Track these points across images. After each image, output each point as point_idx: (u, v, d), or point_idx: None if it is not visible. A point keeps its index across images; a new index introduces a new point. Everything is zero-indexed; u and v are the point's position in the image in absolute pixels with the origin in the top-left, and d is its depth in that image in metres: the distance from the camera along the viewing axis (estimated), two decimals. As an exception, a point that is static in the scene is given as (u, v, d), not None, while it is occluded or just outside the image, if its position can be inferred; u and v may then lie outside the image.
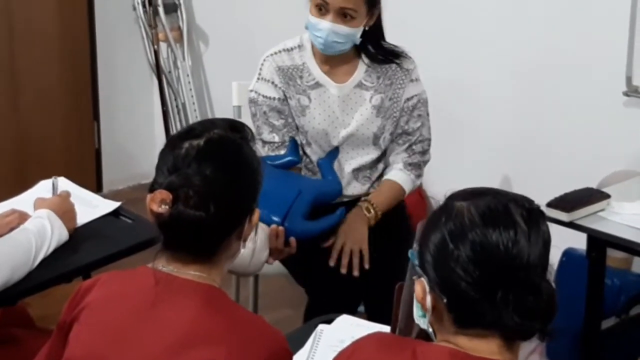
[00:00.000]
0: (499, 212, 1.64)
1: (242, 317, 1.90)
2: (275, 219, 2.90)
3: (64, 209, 2.66)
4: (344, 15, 3.01)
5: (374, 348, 1.73)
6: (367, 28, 3.08)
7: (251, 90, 3.19)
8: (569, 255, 3.64)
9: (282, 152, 3.14)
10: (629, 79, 3.62)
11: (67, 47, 4.99)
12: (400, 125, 3.19)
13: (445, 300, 1.64)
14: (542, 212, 1.68)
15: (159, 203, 1.88)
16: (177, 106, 5.08)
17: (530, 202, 1.69)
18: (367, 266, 3.04)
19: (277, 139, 3.15)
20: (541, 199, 2.86)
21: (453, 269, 1.63)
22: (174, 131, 5.05)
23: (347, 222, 3.08)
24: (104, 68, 5.11)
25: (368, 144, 3.19)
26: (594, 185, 3.43)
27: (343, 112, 3.16)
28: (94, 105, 5.13)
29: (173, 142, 1.95)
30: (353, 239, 3.04)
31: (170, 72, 5.08)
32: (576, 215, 2.80)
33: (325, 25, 3.02)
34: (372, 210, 3.12)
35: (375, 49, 3.15)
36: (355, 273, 3.02)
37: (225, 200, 1.89)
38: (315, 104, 3.15)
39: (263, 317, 1.97)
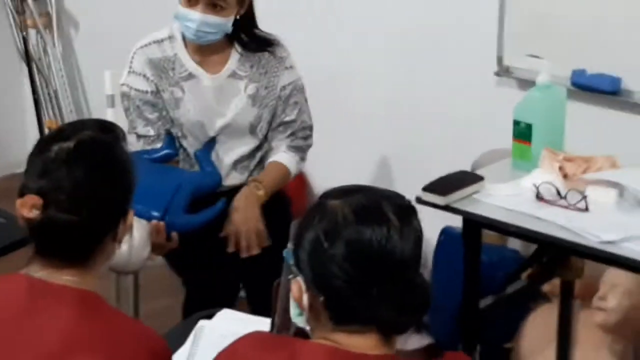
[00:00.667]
0: (372, 209, 1.67)
1: (119, 321, 1.88)
2: (155, 214, 2.87)
3: None
4: (213, 6, 3.00)
5: (252, 348, 1.74)
6: (238, 17, 3.06)
7: (122, 84, 3.15)
8: (447, 233, 3.71)
9: (158, 145, 3.11)
10: (499, 59, 3.69)
11: None
12: (277, 115, 3.19)
13: (322, 299, 1.66)
14: (413, 208, 1.71)
15: (29, 208, 1.85)
16: (48, 94, 5.00)
17: (402, 198, 1.72)
18: (266, 243, 3.04)
19: (152, 132, 3.12)
20: (418, 182, 2.94)
21: (328, 268, 1.64)
22: (45, 119, 4.98)
23: (238, 205, 3.06)
24: (-29, 56, 4.99)
25: (245, 134, 3.18)
26: (469, 165, 3.49)
27: (218, 103, 3.14)
28: (-39, 95, 5.01)
29: (42, 145, 1.91)
30: (246, 220, 3.03)
31: (40, 59, 4.99)
32: (452, 199, 2.83)
33: (196, 16, 3.00)
34: (261, 188, 3.10)
35: (248, 37, 3.14)
36: (255, 251, 3.03)
37: (98, 203, 1.87)
38: (189, 95, 3.12)
39: (141, 318, 1.95)
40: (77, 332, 1.81)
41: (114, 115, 3.69)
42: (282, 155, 3.20)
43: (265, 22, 3.21)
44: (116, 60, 4.50)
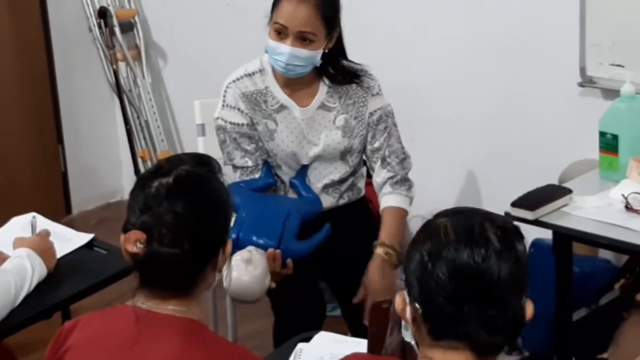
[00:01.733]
0: (474, 229, 1.70)
1: (224, 348, 1.94)
2: (271, 243, 2.94)
3: (43, 247, 2.68)
4: (303, 39, 3.04)
5: (352, 370, 1.78)
6: (326, 51, 3.10)
7: (217, 118, 3.21)
8: (537, 246, 3.70)
9: (256, 175, 3.16)
10: (582, 70, 3.69)
11: (26, 73, 4.98)
12: (368, 142, 3.22)
13: (420, 311, 1.70)
14: (517, 232, 1.74)
15: (133, 243, 1.92)
16: (140, 124, 5.09)
17: (507, 221, 1.75)
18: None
19: (250, 163, 3.17)
20: (506, 197, 2.96)
21: (428, 282, 1.69)
22: (138, 149, 5.08)
23: (373, 278, 3.04)
24: (65, 91, 5.11)
25: (336, 161, 3.22)
26: (555, 177, 3.50)
27: (309, 133, 3.19)
28: (57, 129, 5.13)
29: (142, 181, 1.99)
30: (383, 292, 2.98)
31: (130, 90, 5.09)
32: (541, 213, 2.86)
33: (285, 49, 3.04)
34: (390, 251, 3.11)
35: (336, 70, 3.18)
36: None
37: (199, 236, 1.93)
38: (282, 126, 3.18)
39: (243, 345, 2.01)
40: (184, 359, 1.87)
41: (204, 143, 3.77)
42: (391, 198, 3.19)
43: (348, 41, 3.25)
44: (204, 89, 4.61)
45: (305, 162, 3.20)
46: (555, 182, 3.32)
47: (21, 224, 2.93)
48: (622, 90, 3.04)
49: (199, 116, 3.77)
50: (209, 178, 2.00)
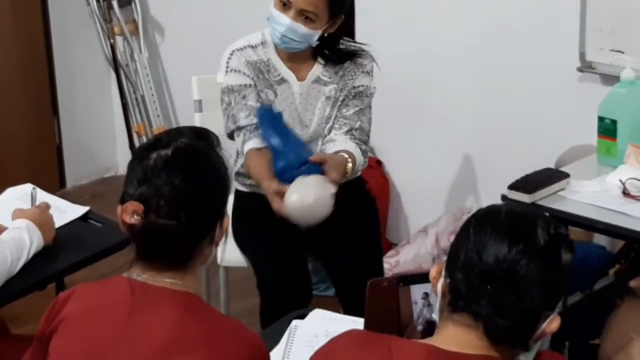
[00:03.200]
0: (525, 222, 1.73)
1: (220, 322, 1.93)
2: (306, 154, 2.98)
3: (42, 219, 2.67)
4: (304, 17, 3.05)
5: (350, 346, 1.78)
6: (326, 34, 3.12)
7: (220, 83, 3.19)
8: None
9: (254, 133, 3.11)
10: (582, 55, 3.68)
11: (23, 45, 4.95)
12: (340, 109, 3.22)
13: (448, 281, 1.73)
14: (568, 240, 1.76)
15: (130, 214, 1.92)
16: (136, 99, 5.07)
17: (561, 228, 1.77)
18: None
19: (254, 120, 3.12)
20: (505, 179, 2.96)
21: (467, 256, 1.71)
22: (134, 124, 5.07)
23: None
24: (61, 64, 5.09)
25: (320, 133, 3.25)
26: (552, 161, 3.50)
27: (303, 110, 3.21)
28: (53, 102, 5.10)
29: (140, 153, 1.98)
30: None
31: (127, 65, 5.07)
32: (538, 196, 2.86)
33: (285, 21, 3.06)
34: (348, 172, 3.11)
35: (331, 52, 3.19)
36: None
37: (196, 208, 1.92)
38: (281, 99, 3.19)
39: (239, 320, 2.00)
40: (179, 331, 1.87)
41: (201, 119, 3.76)
42: (348, 144, 3.16)
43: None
44: (202, 65, 4.59)
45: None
46: (552, 166, 3.32)
47: (17, 195, 2.93)
48: (622, 75, 3.04)
49: (197, 92, 3.76)
50: (208, 151, 2.00)
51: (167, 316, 1.89)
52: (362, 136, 3.21)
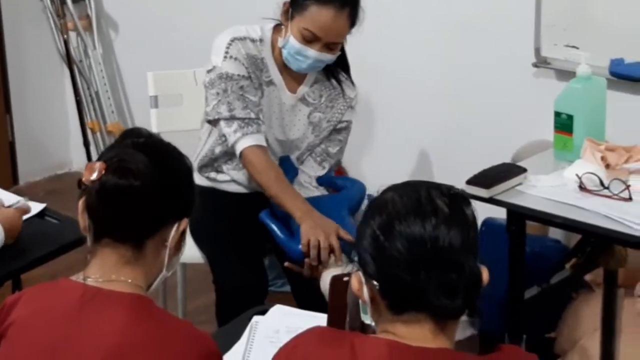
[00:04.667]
0: (421, 198, 1.71)
1: (170, 325, 1.92)
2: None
3: (12, 223, 2.67)
4: (329, 46, 3.06)
5: (313, 343, 1.77)
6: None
7: (214, 68, 3.12)
8: (488, 225, 3.72)
9: (257, 128, 3.11)
10: (537, 50, 3.71)
11: (-26, 41, 4.92)
12: (325, 142, 3.28)
13: (377, 286, 1.70)
14: (464, 197, 1.75)
15: (91, 172, 1.90)
16: (90, 95, 5.04)
17: (452, 188, 1.76)
18: (339, 260, 2.98)
19: (252, 114, 3.11)
20: (463, 174, 2.97)
21: (383, 256, 1.69)
22: (88, 120, 5.03)
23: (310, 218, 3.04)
24: (14, 60, 5.05)
25: (292, 150, 3.29)
26: (509, 156, 3.52)
27: (289, 121, 3.23)
28: (5, 98, 5.06)
29: (117, 139, 2.02)
30: (319, 231, 3.00)
31: (81, 61, 5.04)
32: (495, 191, 2.87)
33: (312, 54, 3.05)
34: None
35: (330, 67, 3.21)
36: (323, 260, 2.98)
37: (156, 180, 1.91)
38: (266, 101, 3.18)
39: (192, 319, 1.99)
40: (130, 336, 1.86)
41: (157, 115, 3.74)
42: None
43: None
44: (156, 61, 4.60)
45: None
46: (509, 161, 3.34)
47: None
48: (578, 70, 3.06)
49: (152, 88, 3.75)
50: (180, 154, 2.01)
51: (117, 320, 1.87)
52: (331, 166, 3.34)
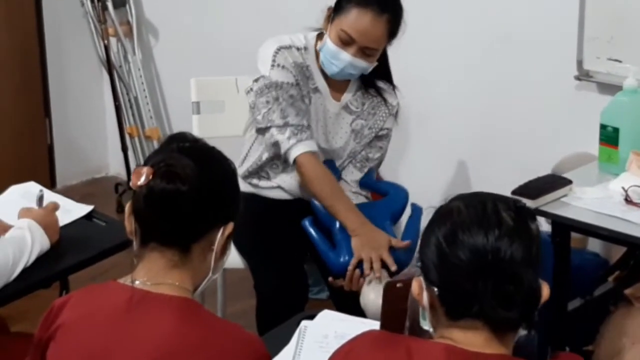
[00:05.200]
0: (487, 209, 1.72)
1: (219, 327, 1.93)
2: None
3: (47, 220, 2.65)
4: (365, 52, 3.06)
5: (369, 347, 1.78)
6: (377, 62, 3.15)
7: (262, 77, 3.13)
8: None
9: (306, 134, 3.11)
10: (579, 63, 3.70)
11: (16, 45, 4.94)
12: (365, 149, 3.29)
13: (437, 292, 1.71)
14: (530, 212, 1.76)
15: (139, 177, 1.92)
16: (129, 100, 5.06)
17: (519, 202, 1.78)
18: (393, 268, 3.00)
19: (305, 122, 3.12)
20: (503, 186, 2.97)
21: (445, 263, 1.70)
22: (126, 125, 5.06)
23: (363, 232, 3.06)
24: (54, 64, 5.08)
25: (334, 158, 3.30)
26: (549, 169, 3.52)
27: (332, 129, 3.24)
28: (45, 102, 5.09)
29: (162, 144, 2.04)
30: (371, 246, 3.03)
31: (121, 66, 5.06)
32: (541, 202, 2.87)
33: (346, 57, 3.06)
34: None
35: (370, 77, 3.22)
36: (376, 275, 2.99)
37: (202, 185, 1.92)
38: (312, 108, 3.19)
39: (238, 324, 1.99)
40: (178, 338, 1.86)
41: (198, 122, 3.76)
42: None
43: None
44: (195, 68, 4.62)
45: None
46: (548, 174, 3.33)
47: (20, 193, 2.92)
48: (625, 83, 3.06)
49: (195, 94, 3.77)
50: (226, 158, 2.03)
51: (165, 323, 1.88)
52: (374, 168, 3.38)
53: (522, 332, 1.75)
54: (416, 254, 1.89)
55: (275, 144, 3.13)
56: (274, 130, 3.11)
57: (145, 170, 1.91)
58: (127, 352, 1.87)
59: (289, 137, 3.09)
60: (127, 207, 1.98)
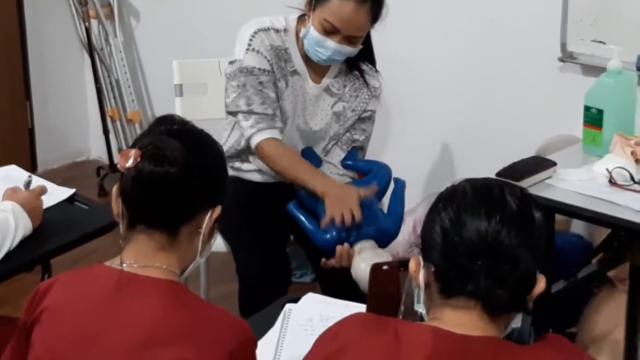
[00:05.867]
0: (492, 192, 1.74)
1: (206, 311, 1.92)
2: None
3: (32, 205, 2.63)
4: (350, 39, 3.06)
5: (357, 329, 1.77)
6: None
7: (236, 60, 3.13)
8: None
9: (273, 124, 3.12)
10: (563, 45, 3.70)
11: (-5, 27, 4.92)
12: (349, 130, 3.29)
13: (432, 269, 1.72)
14: (535, 201, 1.78)
15: (127, 158, 1.91)
16: (110, 83, 5.04)
17: (525, 190, 1.80)
18: (357, 218, 3.00)
19: (269, 110, 3.12)
20: (486, 168, 2.97)
21: (447, 240, 1.71)
22: (108, 108, 5.03)
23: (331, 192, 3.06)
24: (35, 47, 5.04)
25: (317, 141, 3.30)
26: (533, 151, 3.52)
27: (312, 112, 3.23)
28: (26, 85, 5.06)
29: (150, 126, 2.02)
30: (341, 203, 3.02)
31: (102, 49, 5.04)
32: (525, 184, 2.85)
33: (331, 45, 3.06)
34: None
35: (353, 60, 3.21)
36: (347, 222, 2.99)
37: (191, 168, 1.91)
38: (290, 91, 3.18)
39: (225, 308, 1.98)
40: (165, 322, 1.85)
41: (181, 104, 3.74)
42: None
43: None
44: (177, 50, 4.59)
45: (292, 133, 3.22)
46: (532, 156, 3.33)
47: (0, 176, 2.89)
48: (609, 65, 3.06)
49: (177, 76, 3.75)
50: (214, 141, 2.03)
51: (152, 306, 1.87)
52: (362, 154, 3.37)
53: (515, 324, 1.76)
54: (410, 238, 1.90)
55: (241, 129, 3.13)
56: (239, 116, 3.14)
57: (133, 152, 1.90)
58: (114, 334, 1.86)
59: (252, 125, 3.11)
60: (115, 189, 1.97)
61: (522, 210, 1.72)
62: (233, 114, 3.17)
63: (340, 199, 3.01)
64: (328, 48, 3.06)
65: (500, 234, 1.67)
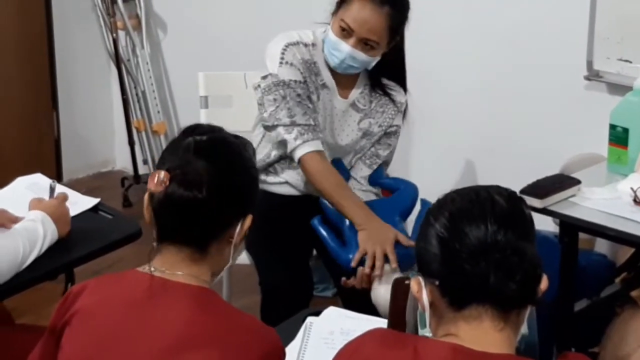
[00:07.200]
0: (480, 195, 1.76)
1: (235, 318, 1.92)
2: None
3: (59, 213, 2.65)
4: (365, 44, 3.05)
5: (376, 345, 1.77)
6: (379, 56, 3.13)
7: (270, 74, 3.12)
8: (537, 237, 3.71)
9: (317, 135, 3.10)
10: (589, 63, 3.69)
11: (24, 37, 4.95)
12: (375, 146, 3.29)
13: (437, 283, 1.71)
14: (521, 198, 1.79)
15: (156, 181, 1.92)
16: (136, 94, 5.06)
17: (509, 189, 1.81)
18: (394, 265, 2.97)
19: (312, 121, 3.11)
20: (510, 185, 2.93)
21: (446, 250, 1.71)
22: (133, 119, 5.06)
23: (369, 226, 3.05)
24: (62, 57, 5.08)
25: (342, 155, 3.30)
26: (557, 169, 3.50)
27: (339, 126, 3.24)
28: (53, 95, 5.10)
29: (179, 137, 2.01)
30: (376, 240, 3.01)
31: (129, 60, 5.06)
32: (549, 202, 2.86)
33: (345, 48, 3.06)
34: None
35: (378, 74, 3.21)
36: (377, 272, 2.96)
37: (219, 189, 1.92)
38: (320, 104, 3.18)
39: (254, 316, 1.99)
40: (194, 327, 1.86)
41: (206, 116, 3.76)
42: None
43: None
44: (203, 62, 4.60)
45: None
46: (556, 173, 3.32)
47: (25, 184, 2.91)
48: (635, 84, 3.05)
49: (203, 88, 3.77)
50: (241, 149, 2.01)
51: (182, 312, 1.88)
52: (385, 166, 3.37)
53: (523, 330, 1.75)
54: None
55: (282, 142, 3.12)
56: (280, 129, 3.10)
57: (162, 175, 1.91)
58: (144, 338, 1.87)
59: (296, 137, 3.08)
60: (146, 197, 1.97)
61: (512, 207, 1.73)
62: (272, 127, 3.13)
63: (377, 236, 2.99)
64: (342, 51, 3.06)
65: (498, 233, 1.68)
